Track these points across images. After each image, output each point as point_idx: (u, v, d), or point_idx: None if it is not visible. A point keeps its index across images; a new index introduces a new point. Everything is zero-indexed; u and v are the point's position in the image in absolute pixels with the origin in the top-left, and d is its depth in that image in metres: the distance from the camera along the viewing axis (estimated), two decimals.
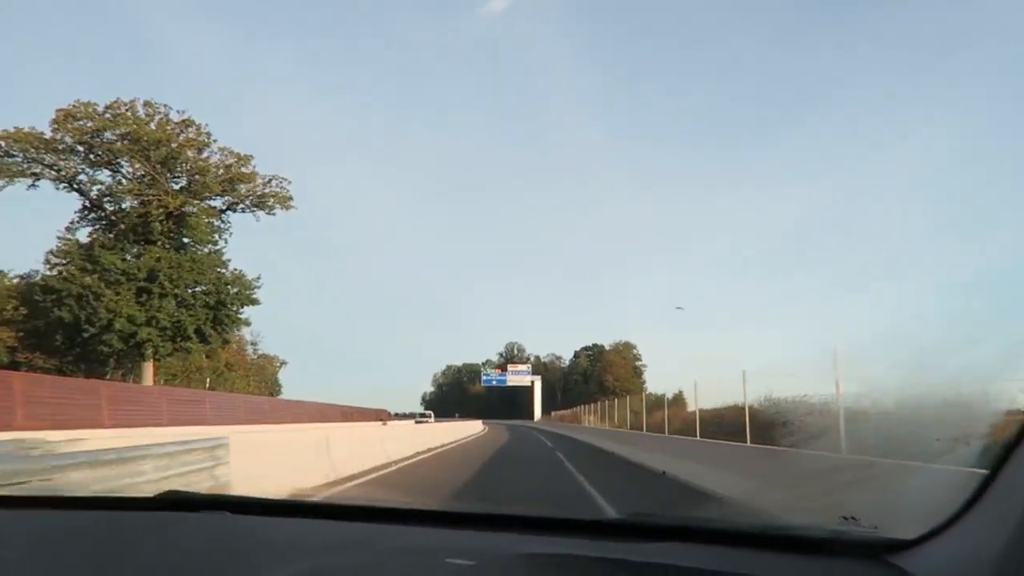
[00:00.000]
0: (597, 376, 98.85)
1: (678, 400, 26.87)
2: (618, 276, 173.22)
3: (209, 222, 39.59)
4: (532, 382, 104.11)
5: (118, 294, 34.39)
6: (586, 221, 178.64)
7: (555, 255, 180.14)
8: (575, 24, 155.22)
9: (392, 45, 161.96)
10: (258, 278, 41.16)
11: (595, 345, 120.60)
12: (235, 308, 39.32)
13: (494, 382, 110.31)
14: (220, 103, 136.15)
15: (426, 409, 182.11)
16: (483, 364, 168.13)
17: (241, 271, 40.53)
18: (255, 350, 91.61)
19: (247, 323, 41.84)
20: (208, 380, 66.33)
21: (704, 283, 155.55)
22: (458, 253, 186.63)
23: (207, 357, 67.53)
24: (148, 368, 38.07)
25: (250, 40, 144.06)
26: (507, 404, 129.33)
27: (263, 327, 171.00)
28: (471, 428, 43.65)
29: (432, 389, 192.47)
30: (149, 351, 36.51)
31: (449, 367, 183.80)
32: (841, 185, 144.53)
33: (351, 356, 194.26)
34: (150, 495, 2.16)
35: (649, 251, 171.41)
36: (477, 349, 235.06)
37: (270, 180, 41.08)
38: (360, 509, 2.13)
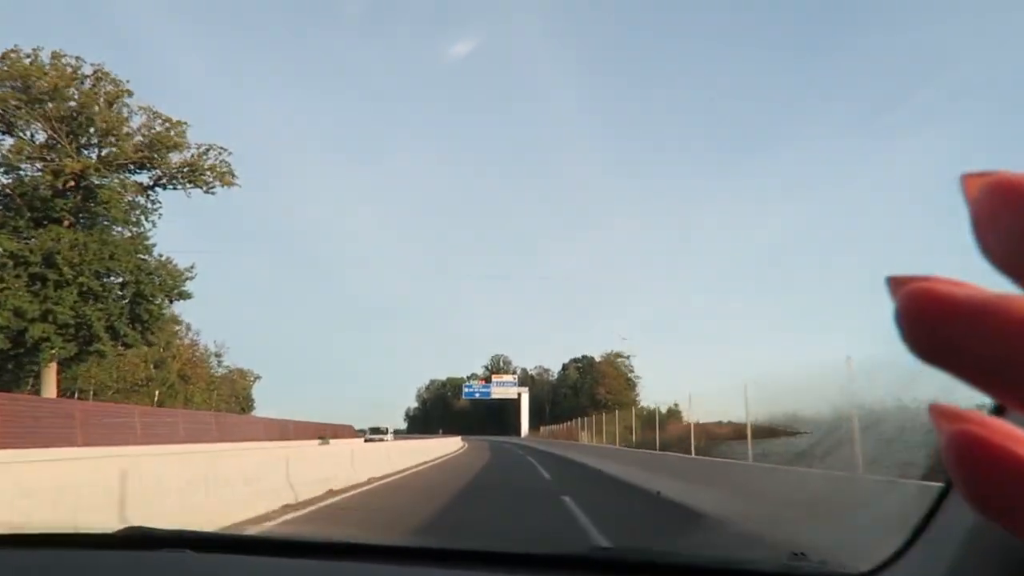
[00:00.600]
0: (588, 389, 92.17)
1: (673, 414, 25.65)
2: (607, 289, 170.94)
3: (131, 200, 32.90)
4: (519, 394, 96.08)
5: (2, 281, 27.59)
6: (574, 235, 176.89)
7: (542, 268, 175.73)
8: (563, 46, 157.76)
9: (377, 64, 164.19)
10: (191, 267, 34.54)
11: (585, 357, 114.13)
12: (158, 302, 32.52)
13: (477, 395, 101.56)
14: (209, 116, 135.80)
15: (408, 424, 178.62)
16: (468, 377, 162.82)
17: (168, 258, 33.86)
18: (219, 362, 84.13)
19: (177, 321, 35.10)
20: (157, 393, 59.26)
21: (696, 296, 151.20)
22: (443, 266, 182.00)
23: (155, 367, 60.39)
24: (50, 375, 31.18)
25: (238, 56, 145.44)
26: (493, 419, 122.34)
27: (239, 340, 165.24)
28: (446, 447, 36.93)
29: (416, 405, 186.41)
30: (47, 353, 29.63)
31: (433, 382, 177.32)
32: (834, 198, 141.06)
33: (332, 372, 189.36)
34: (109, 531, 2.13)
35: (638, 265, 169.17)
36: (462, 363, 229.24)
37: (206, 150, 34.57)
38: (327, 545, 2.14)
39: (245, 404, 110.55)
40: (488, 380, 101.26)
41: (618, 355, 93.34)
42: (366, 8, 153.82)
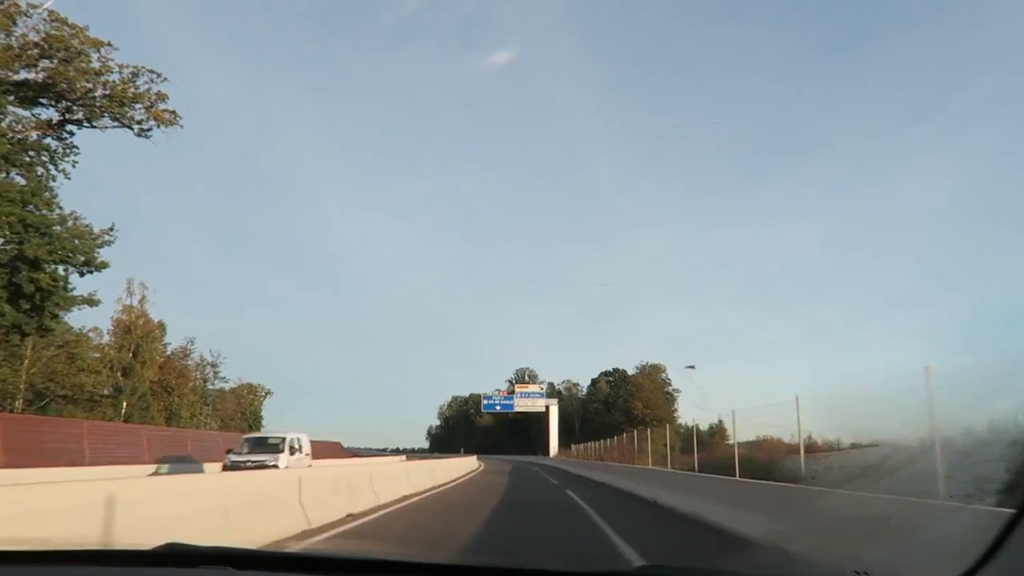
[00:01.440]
0: (623, 403, 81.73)
1: (716, 431, 24.90)
2: (637, 305, 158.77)
3: (17, 139, 24.40)
4: (547, 407, 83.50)
5: None
6: (601, 249, 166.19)
7: (569, 283, 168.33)
8: (588, 63, 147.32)
9: (398, 82, 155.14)
10: (111, 229, 25.91)
11: (616, 370, 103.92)
12: (51, 270, 23.80)
13: (498, 407, 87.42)
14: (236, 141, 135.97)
15: (431, 443, 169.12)
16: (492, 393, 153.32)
17: (78, 215, 25.30)
18: (215, 373, 75.67)
19: (92, 302, 26.44)
20: (125, 405, 50.82)
21: (728, 313, 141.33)
22: (466, 281, 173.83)
23: (123, 375, 51.99)
24: None
25: (261, 81, 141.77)
26: (517, 437, 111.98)
27: (262, 357, 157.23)
28: (450, 471, 27.65)
29: (438, 423, 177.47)
30: None
31: (455, 399, 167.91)
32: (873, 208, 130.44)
33: (354, 390, 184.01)
34: (147, 548, 2.07)
35: (666, 281, 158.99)
36: (486, 379, 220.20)
37: (133, 73, 26.04)
38: (371, 563, 2.11)
39: (254, 421, 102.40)
40: (511, 392, 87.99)
41: (655, 368, 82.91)
42: (395, 23, 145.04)
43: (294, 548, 6.35)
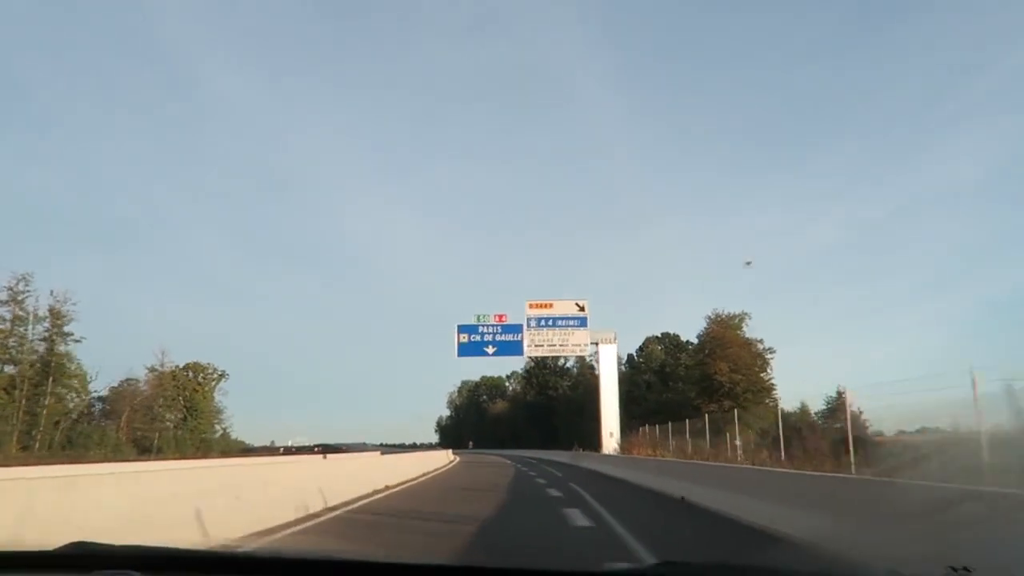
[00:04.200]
0: (702, 368, 53.32)
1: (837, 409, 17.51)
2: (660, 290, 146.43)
3: None
4: (595, 350, 43.32)
5: None
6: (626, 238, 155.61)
7: (590, 270, 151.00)
8: (604, 50, 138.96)
9: (415, 71, 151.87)
10: None
11: (667, 335, 78.24)
12: None
13: (490, 348, 41.11)
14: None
15: (440, 437, 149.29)
16: (507, 377, 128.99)
17: None
18: (59, 330, 50.13)
19: None
20: None
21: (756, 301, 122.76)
22: (482, 266, 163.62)
23: None
24: None
25: (279, 76, 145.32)
26: (541, 422, 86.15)
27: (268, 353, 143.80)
28: None
29: (448, 414, 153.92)
30: None
31: (465, 383, 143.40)
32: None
33: (363, 383, 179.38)
34: (49, 549, 1.94)
35: (689, 268, 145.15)
36: (498, 361, 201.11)
37: None
38: (290, 562, 2.00)
39: (202, 415, 78.64)
40: (500, 320, 41.77)
41: (742, 318, 55.57)
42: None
43: (214, 547, 5.23)
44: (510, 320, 41.08)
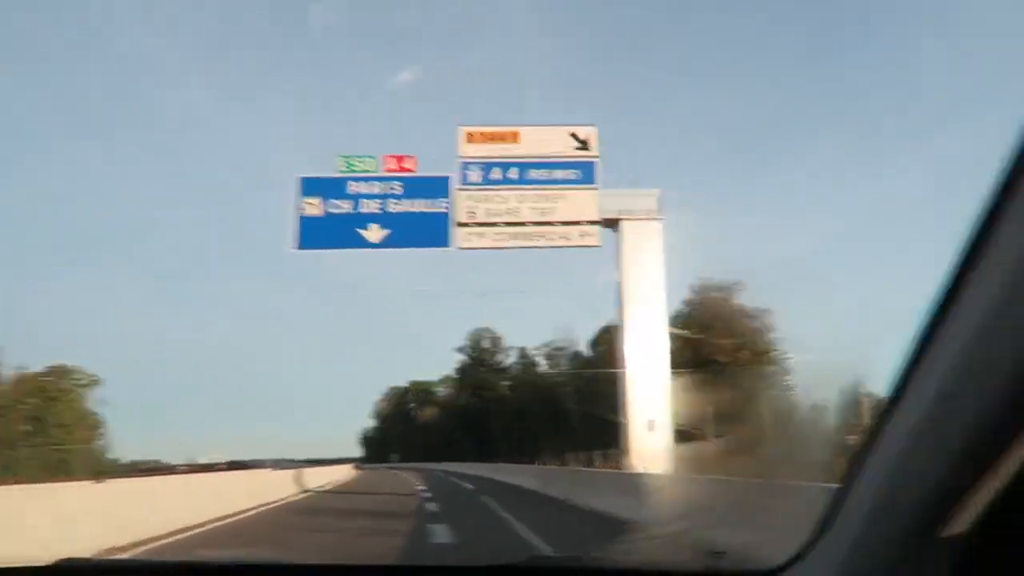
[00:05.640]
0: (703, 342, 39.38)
1: None
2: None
3: None
4: (611, 223, 20.41)
5: None
6: None
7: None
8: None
9: None
10: None
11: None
12: None
13: (368, 226, 19.13)
14: None
15: (365, 451, 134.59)
16: (439, 381, 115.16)
17: None
18: None
19: None
20: None
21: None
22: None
23: None
24: None
25: None
26: (482, 430, 71.94)
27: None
28: None
29: (374, 424, 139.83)
30: None
31: (393, 390, 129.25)
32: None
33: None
34: (41, 564, 1.89)
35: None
36: (430, 360, 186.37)
37: None
38: (216, 567, 1.99)
39: (66, 428, 62.27)
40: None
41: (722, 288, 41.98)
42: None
43: (186, 556, 5.48)
44: (423, 170, 19.35)
